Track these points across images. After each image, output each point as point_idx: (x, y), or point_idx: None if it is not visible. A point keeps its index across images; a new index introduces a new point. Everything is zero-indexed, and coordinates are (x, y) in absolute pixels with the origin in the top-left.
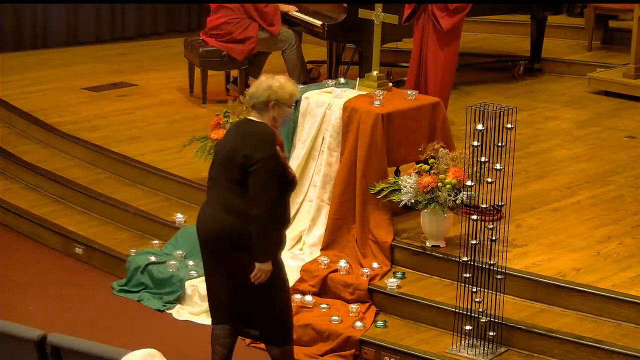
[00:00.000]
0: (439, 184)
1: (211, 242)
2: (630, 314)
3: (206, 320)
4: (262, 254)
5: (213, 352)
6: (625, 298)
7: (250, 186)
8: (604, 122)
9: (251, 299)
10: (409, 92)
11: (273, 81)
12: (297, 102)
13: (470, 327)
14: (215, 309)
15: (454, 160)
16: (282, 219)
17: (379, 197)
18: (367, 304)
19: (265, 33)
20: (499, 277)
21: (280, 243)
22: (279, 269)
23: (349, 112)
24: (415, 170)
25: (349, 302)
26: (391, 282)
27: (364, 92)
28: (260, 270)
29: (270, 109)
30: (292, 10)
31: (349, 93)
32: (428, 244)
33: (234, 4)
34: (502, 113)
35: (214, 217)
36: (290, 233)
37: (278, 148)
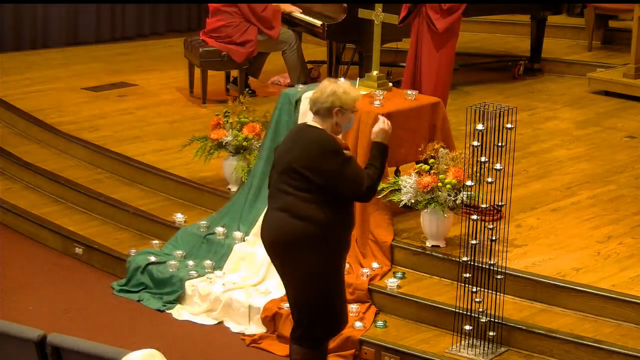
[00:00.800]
0: (439, 184)
1: (278, 247)
2: (630, 314)
3: (206, 320)
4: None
5: None
6: (625, 298)
7: (345, 198)
8: (604, 122)
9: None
10: (409, 92)
11: (337, 87)
12: (297, 102)
13: (470, 327)
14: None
15: (454, 160)
16: (349, 223)
17: (379, 197)
18: (367, 304)
19: (265, 36)
20: (499, 277)
21: (346, 246)
22: (338, 274)
23: None
24: (415, 170)
25: (349, 302)
26: (391, 282)
27: (364, 92)
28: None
29: (334, 115)
30: (296, 11)
31: None
32: (428, 244)
33: (232, 8)
34: (502, 113)
35: (280, 222)
36: None
37: (344, 151)
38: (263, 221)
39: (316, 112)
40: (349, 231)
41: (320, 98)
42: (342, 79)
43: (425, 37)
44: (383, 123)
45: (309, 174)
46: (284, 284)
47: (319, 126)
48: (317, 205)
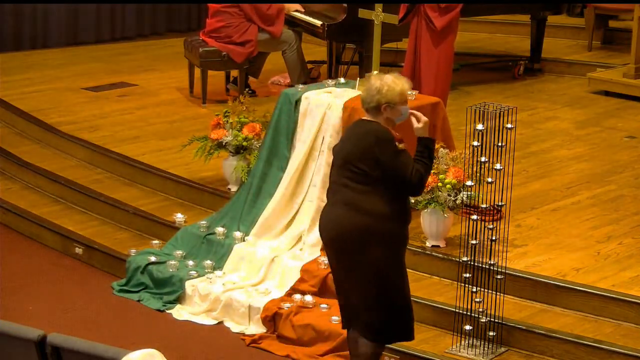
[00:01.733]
0: (439, 184)
1: (340, 242)
2: (630, 314)
3: (206, 320)
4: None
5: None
6: (625, 298)
7: (397, 189)
8: (604, 122)
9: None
10: (408, 92)
11: (381, 84)
12: (297, 102)
13: (470, 327)
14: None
15: (454, 160)
16: (407, 216)
17: None
18: None
19: (266, 34)
20: (499, 277)
21: (406, 240)
22: (397, 266)
23: (349, 112)
24: None
25: None
26: None
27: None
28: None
29: (383, 111)
30: (300, 10)
31: (349, 93)
32: (428, 244)
33: (232, 8)
34: (502, 113)
35: (342, 217)
36: (290, 233)
37: (397, 143)
38: (322, 217)
39: (367, 110)
40: (407, 225)
41: (367, 98)
42: (341, 79)
43: (423, 35)
44: (420, 117)
45: (365, 166)
46: (343, 281)
47: (372, 119)
48: (376, 198)
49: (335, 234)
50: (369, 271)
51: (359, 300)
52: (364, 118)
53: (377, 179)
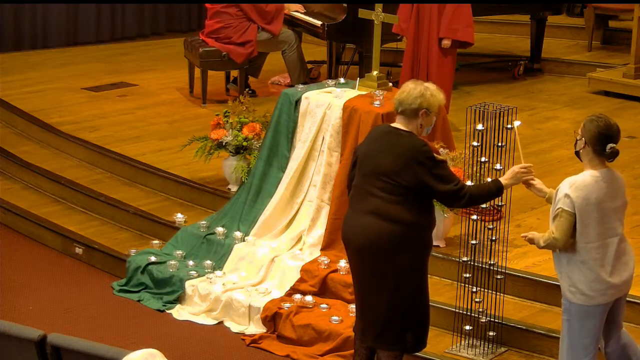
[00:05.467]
0: None
1: (370, 250)
2: (631, 314)
3: (206, 320)
4: (497, 194)
5: None
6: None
7: (435, 198)
8: None
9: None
10: None
11: (425, 89)
12: (297, 102)
13: (470, 327)
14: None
15: (454, 160)
16: (432, 223)
17: None
18: None
19: (266, 34)
20: (499, 277)
21: (431, 246)
22: (422, 273)
23: (349, 112)
24: None
25: (349, 302)
26: None
27: (364, 92)
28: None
29: (419, 116)
30: (300, 9)
31: (349, 93)
32: None
33: (231, 9)
34: (502, 113)
35: (371, 225)
36: (290, 233)
37: (435, 155)
38: (347, 225)
39: (402, 112)
40: (431, 231)
41: (407, 99)
42: (341, 79)
43: (429, 39)
44: (524, 171)
45: (403, 181)
46: (368, 289)
47: (404, 128)
48: (404, 207)
49: (366, 243)
50: (398, 278)
51: (385, 309)
52: (396, 127)
53: (410, 190)
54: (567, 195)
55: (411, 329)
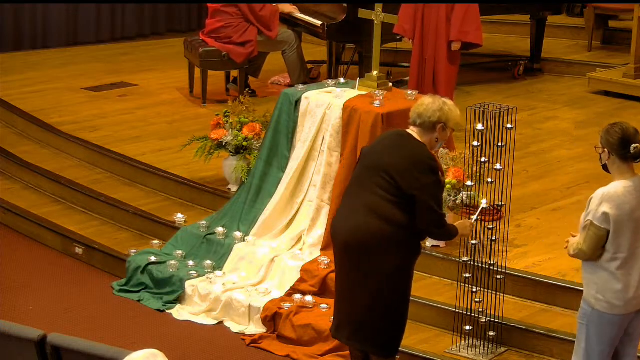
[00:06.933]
0: None
1: (358, 247)
2: None
3: (206, 320)
4: (453, 236)
5: None
6: None
7: (418, 219)
8: (604, 122)
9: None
10: (409, 92)
11: (443, 103)
12: (297, 102)
13: (470, 327)
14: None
15: (454, 160)
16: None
17: None
18: None
19: (265, 36)
20: (499, 277)
21: (420, 251)
22: (407, 277)
23: (349, 112)
24: None
25: None
26: None
27: (364, 92)
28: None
29: (437, 130)
30: (295, 11)
31: (349, 93)
32: (428, 244)
33: (231, 8)
34: (502, 113)
35: (362, 222)
36: (290, 233)
37: (440, 175)
38: (339, 219)
39: (420, 125)
40: (421, 240)
41: (426, 112)
42: (341, 79)
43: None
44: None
45: (402, 183)
46: (351, 285)
47: (419, 138)
48: (399, 208)
49: (354, 239)
50: (381, 279)
51: (365, 308)
52: (410, 132)
53: (404, 194)
54: (599, 209)
55: (386, 332)
